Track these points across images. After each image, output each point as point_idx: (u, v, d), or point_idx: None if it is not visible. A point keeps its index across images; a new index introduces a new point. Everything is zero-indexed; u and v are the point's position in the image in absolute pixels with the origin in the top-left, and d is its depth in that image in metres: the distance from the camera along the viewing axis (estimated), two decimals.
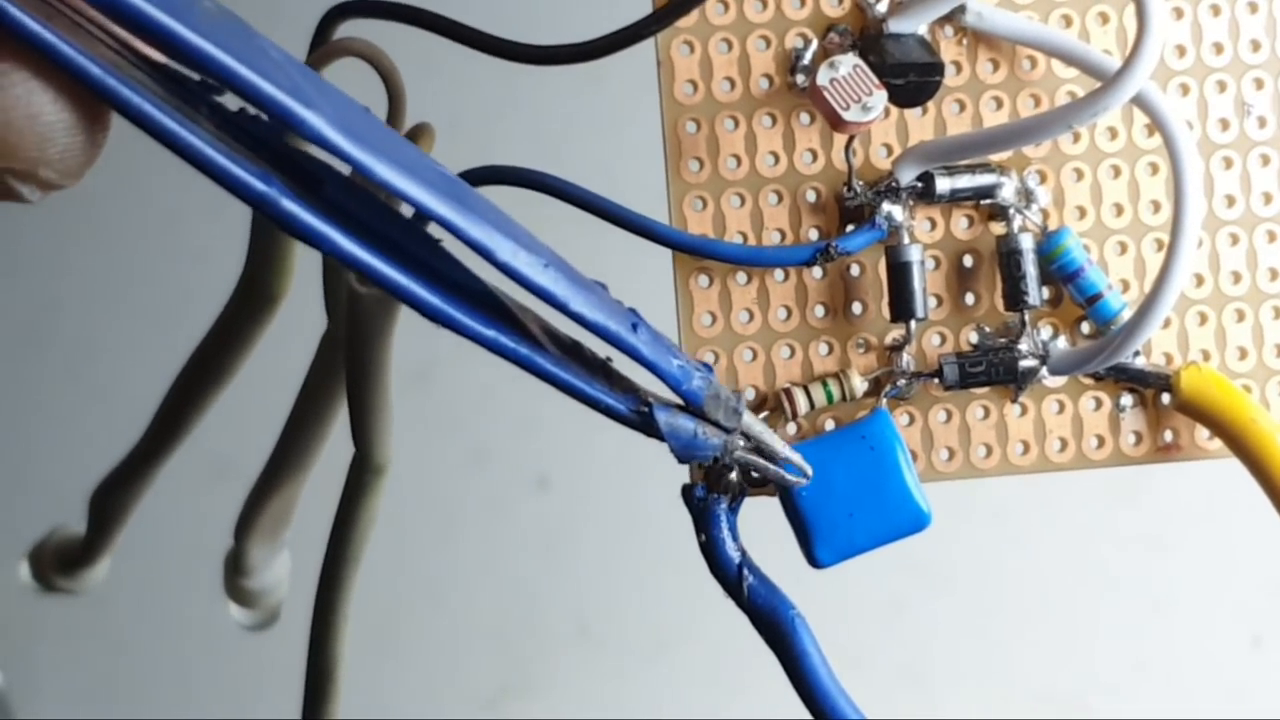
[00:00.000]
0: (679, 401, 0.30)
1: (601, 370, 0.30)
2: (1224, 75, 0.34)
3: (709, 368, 0.30)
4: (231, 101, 0.28)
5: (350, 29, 0.36)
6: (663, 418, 0.30)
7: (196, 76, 0.28)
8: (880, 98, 0.31)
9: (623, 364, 0.30)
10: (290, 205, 0.27)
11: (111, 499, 0.44)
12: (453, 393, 0.64)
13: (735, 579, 0.32)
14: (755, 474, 0.31)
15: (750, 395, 0.34)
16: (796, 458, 0.31)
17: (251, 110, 0.27)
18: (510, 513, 0.63)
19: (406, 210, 0.28)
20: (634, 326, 0.29)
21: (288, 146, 0.28)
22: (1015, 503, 0.69)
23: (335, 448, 0.41)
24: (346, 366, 0.37)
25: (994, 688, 0.67)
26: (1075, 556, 0.67)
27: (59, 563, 0.46)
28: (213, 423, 0.42)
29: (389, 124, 0.36)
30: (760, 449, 0.31)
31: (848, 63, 0.31)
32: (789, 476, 0.31)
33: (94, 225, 0.69)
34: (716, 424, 0.30)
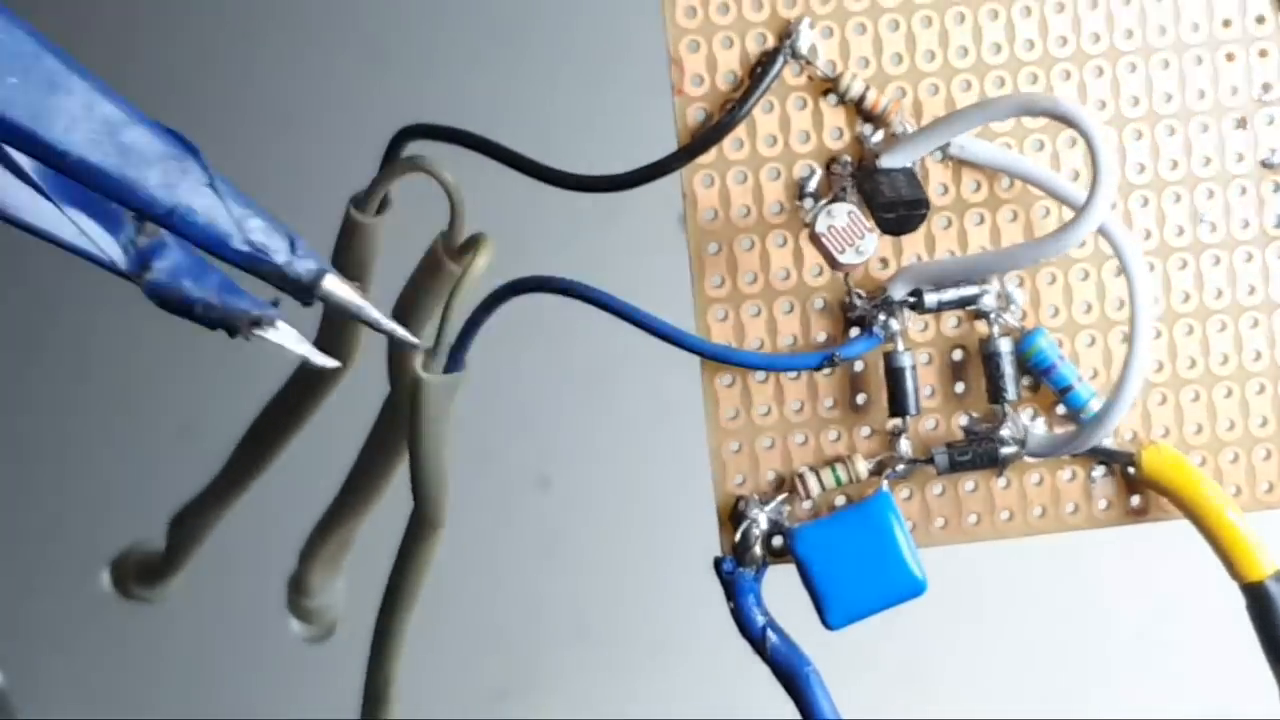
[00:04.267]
0: None
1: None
2: (1179, 189, 0.39)
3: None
4: None
5: (417, 148, 0.41)
6: None
7: None
8: (872, 240, 0.36)
9: None
10: None
11: (189, 524, 0.49)
12: None
13: (760, 639, 0.38)
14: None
15: (771, 478, 0.39)
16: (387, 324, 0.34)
17: None
18: (510, 513, 0.62)
19: None
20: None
21: None
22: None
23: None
24: (409, 439, 0.42)
25: (994, 688, 0.67)
26: (1075, 556, 0.67)
27: (138, 574, 0.52)
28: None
29: (450, 231, 0.41)
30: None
31: (842, 211, 0.36)
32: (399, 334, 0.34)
33: None
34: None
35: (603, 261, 0.54)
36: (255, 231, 0.32)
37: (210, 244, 0.32)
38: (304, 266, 0.32)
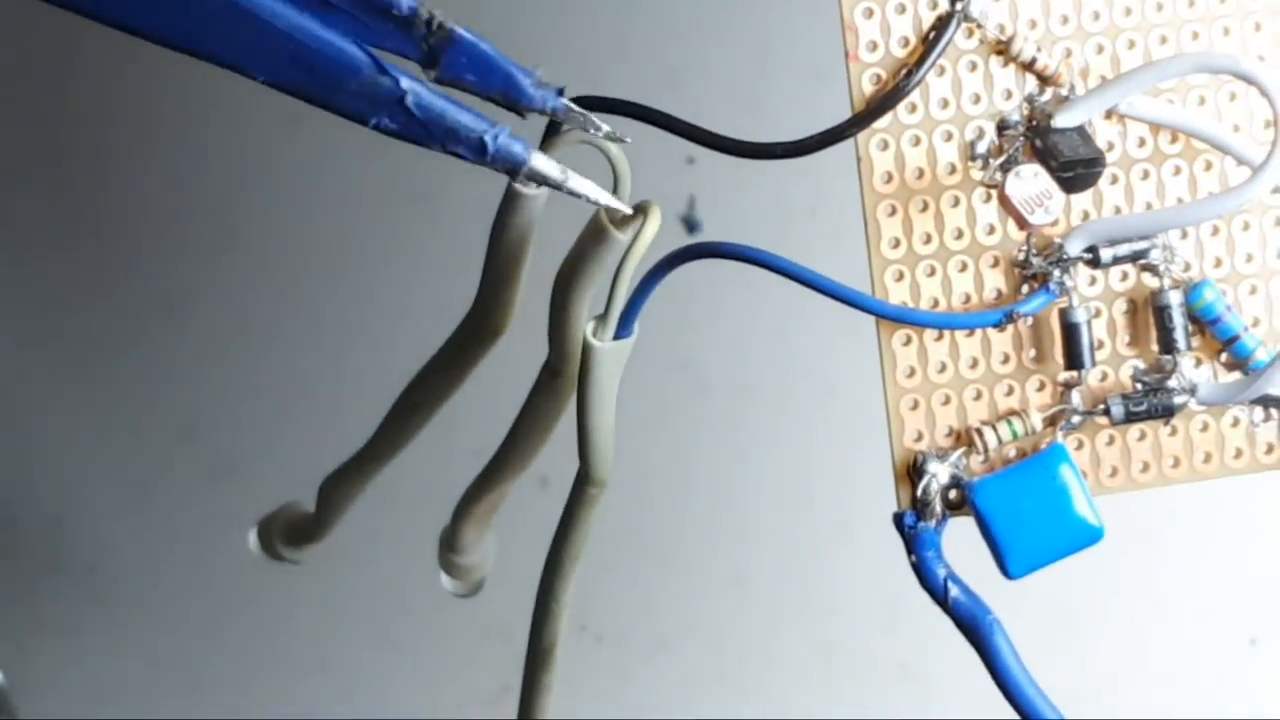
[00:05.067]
0: None
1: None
2: None
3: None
4: None
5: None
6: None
7: None
8: (1059, 200, 0.37)
9: None
10: None
11: (339, 489, 0.50)
12: None
13: (942, 592, 0.39)
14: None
15: (946, 433, 0.40)
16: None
17: None
18: (510, 513, 0.62)
19: None
20: None
21: None
22: None
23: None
24: (579, 402, 0.43)
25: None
26: (1075, 556, 0.68)
27: (285, 535, 0.53)
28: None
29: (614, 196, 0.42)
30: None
31: (1030, 173, 0.37)
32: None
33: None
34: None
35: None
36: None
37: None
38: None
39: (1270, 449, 0.41)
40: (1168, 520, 0.66)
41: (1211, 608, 0.65)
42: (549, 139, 0.41)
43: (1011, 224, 0.39)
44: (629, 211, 0.38)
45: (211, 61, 0.36)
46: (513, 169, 0.37)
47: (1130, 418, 0.39)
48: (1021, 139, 0.39)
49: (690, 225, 0.60)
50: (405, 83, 0.36)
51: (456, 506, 0.49)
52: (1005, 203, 0.37)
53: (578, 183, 0.38)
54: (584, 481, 0.44)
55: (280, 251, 0.65)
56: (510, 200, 0.42)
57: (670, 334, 0.60)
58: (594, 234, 0.42)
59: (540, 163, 0.37)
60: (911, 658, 0.69)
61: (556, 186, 0.38)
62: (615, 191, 0.41)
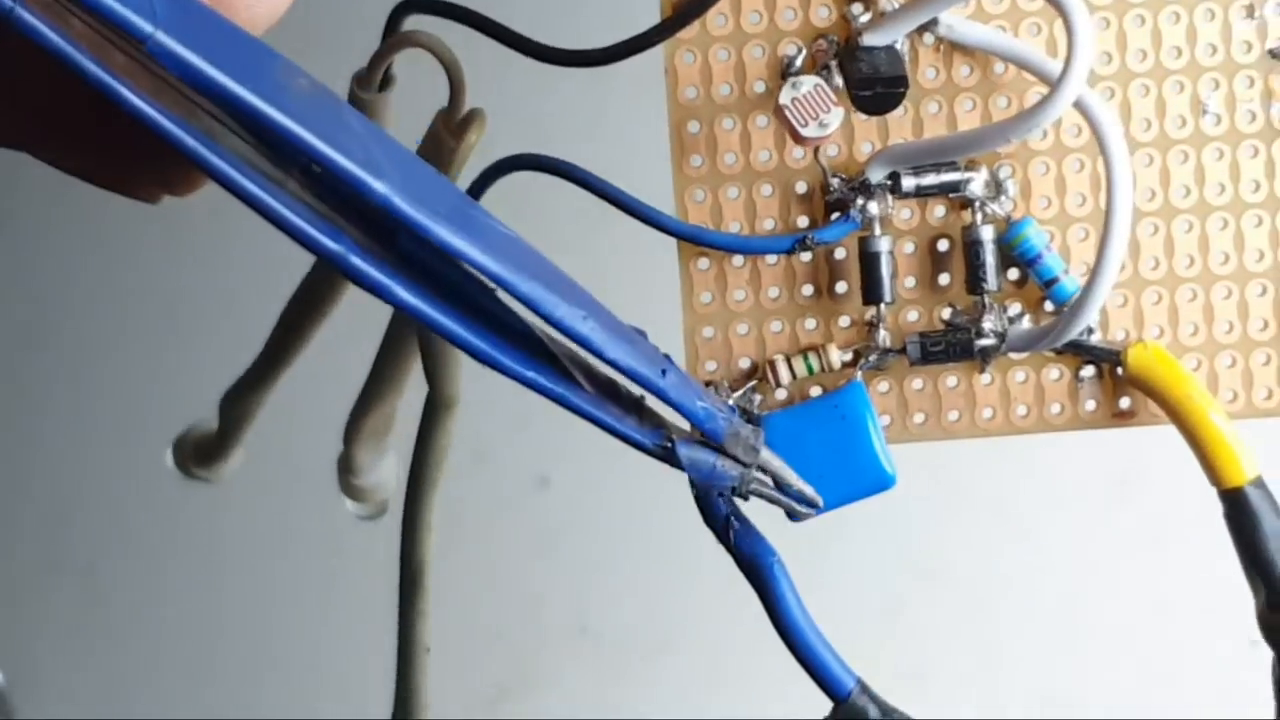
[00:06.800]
0: (701, 437, 0.34)
1: (634, 407, 0.33)
2: (1181, 78, 0.37)
3: (732, 408, 0.34)
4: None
5: (415, 23, 0.41)
6: (684, 452, 0.33)
7: None
8: (837, 114, 0.35)
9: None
10: (357, 261, 0.30)
11: (238, 402, 0.50)
12: None
13: (723, 527, 0.37)
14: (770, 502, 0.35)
15: (745, 364, 0.38)
16: (809, 491, 0.35)
17: None
18: (510, 513, 0.62)
19: None
20: (664, 372, 0.33)
21: (366, 203, 0.31)
22: (1015, 503, 0.69)
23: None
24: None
25: (994, 688, 0.67)
26: (1075, 557, 0.67)
27: (197, 454, 0.52)
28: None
29: (449, 107, 0.41)
30: (777, 482, 0.35)
31: (808, 82, 0.35)
32: (799, 507, 0.35)
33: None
34: (735, 458, 0.34)
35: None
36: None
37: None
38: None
39: (1096, 406, 0.38)
40: (1168, 520, 0.64)
41: (1212, 608, 0.63)
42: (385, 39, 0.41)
43: (825, 152, 0.37)
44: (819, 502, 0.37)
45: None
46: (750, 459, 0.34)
47: (928, 357, 0.37)
48: (834, 59, 0.37)
49: None
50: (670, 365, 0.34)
51: (345, 429, 0.49)
52: (779, 114, 0.35)
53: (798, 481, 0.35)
54: (433, 403, 0.43)
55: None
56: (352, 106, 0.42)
57: None
58: (430, 142, 0.41)
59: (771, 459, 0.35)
60: (912, 658, 0.68)
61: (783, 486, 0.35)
62: (451, 98, 0.40)
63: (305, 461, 0.55)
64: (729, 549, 0.37)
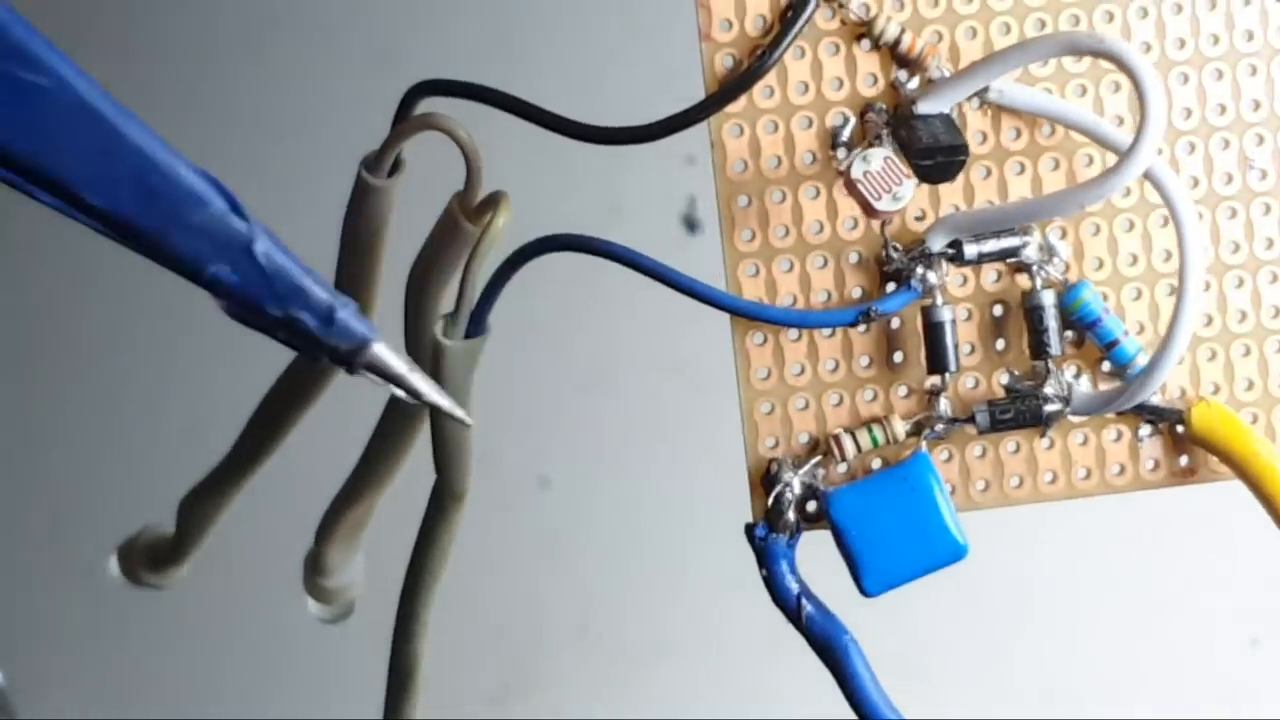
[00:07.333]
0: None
1: None
2: (1227, 134, 0.37)
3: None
4: None
5: (430, 105, 0.39)
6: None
7: None
8: (909, 186, 0.35)
9: None
10: None
11: (198, 508, 0.48)
12: None
13: (794, 609, 0.37)
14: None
15: (805, 440, 0.37)
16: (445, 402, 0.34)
17: None
18: (510, 513, 0.62)
19: None
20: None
21: None
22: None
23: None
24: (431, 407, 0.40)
25: (994, 688, 0.67)
26: (1075, 557, 0.67)
27: (147, 560, 0.50)
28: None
29: (466, 190, 0.39)
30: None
31: (878, 156, 0.35)
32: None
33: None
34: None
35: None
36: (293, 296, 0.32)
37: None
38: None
39: (1156, 465, 0.38)
40: (1168, 520, 0.64)
41: (1212, 608, 0.63)
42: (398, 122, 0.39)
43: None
44: (469, 422, 0.36)
45: (31, 170, 0.32)
46: (353, 349, 0.33)
47: (997, 426, 0.37)
48: (885, 127, 0.36)
49: (691, 225, 0.57)
50: (259, 230, 0.33)
51: (319, 527, 0.47)
52: (850, 188, 0.35)
53: (419, 380, 0.33)
54: (441, 494, 0.41)
55: None
56: (361, 194, 0.41)
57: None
58: (446, 226, 0.40)
59: (382, 351, 0.33)
60: (912, 658, 0.67)
61: (396, 381, 0.33)
62: (468, 180, 0.39)
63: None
64: (800, 629, 0.37)
